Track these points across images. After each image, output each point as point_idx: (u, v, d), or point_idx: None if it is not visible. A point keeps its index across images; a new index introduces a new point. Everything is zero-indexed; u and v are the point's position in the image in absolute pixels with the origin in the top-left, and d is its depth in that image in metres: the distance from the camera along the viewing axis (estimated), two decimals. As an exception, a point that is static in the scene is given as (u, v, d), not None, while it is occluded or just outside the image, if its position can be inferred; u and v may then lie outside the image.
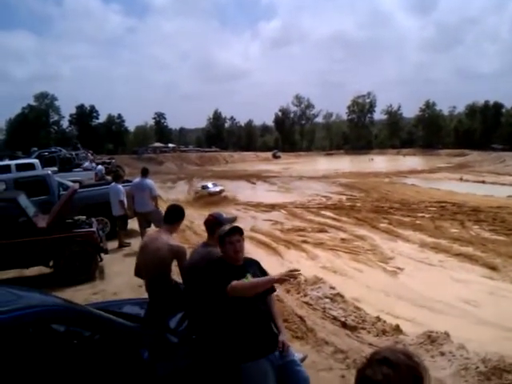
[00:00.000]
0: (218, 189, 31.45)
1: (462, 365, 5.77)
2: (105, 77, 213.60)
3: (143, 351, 3.29)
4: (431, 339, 6.79)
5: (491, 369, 5.46)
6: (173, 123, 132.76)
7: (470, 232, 18.02)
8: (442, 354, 6.26)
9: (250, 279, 3.45)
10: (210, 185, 32.48)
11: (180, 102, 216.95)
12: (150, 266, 4.44)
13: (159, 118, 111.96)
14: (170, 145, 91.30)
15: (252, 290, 3.37)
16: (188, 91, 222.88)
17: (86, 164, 27.72)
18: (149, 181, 11.01)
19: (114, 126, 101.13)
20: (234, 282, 3.31)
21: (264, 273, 3.72)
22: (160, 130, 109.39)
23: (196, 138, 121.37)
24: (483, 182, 37.55)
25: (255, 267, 3.67)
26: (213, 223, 3.99)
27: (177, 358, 3.49)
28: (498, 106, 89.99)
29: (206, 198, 29.85)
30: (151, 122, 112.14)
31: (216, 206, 25.43)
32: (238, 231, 3.58)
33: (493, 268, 13.12)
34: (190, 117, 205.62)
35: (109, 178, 18.69)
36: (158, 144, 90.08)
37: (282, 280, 3.34)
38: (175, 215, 4.67)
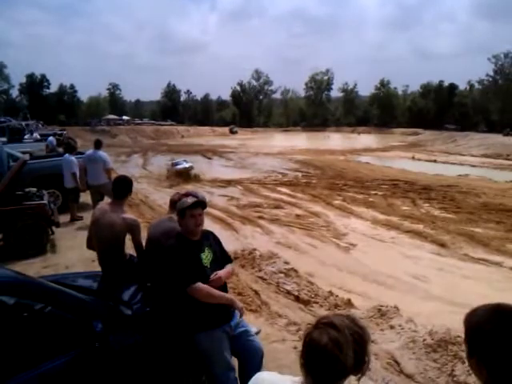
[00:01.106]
0: (187, 165, 29.12)
1: (410, 337, 5.97)
2: (57, 45, 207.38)
3: (96, 323, 3.24)
4: (381, 313, 6.99)
5: (438, 341, 5.67)
6: (128, 95, 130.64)
7: (421, 210, 18.47)
8: (392, 327, 6.46)
9: (209, 254, 3.49)
10: (180, 161, 30.17)
11: (136, 73, 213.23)
12: (104, 240, 4.38)
13: (114, 89, 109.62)
14: (125, 117, 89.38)
15: (209, 299, 3.44)
16: (144, 62, 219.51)
17: (27, 136, 26.93)
18: (102, 153, 10.81)
19: (66, 96, 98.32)
20: (198, 285, 3.36)
21: (219, 242, 3.74)
22: (114, 102, 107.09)
23: (151, 110, 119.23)
24: (435, 161, 38.51)
25: (211, 238, 3.69)
26: None
27: (130, 330, 3.47)
28: (451, 87, 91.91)
29: (175, 176, 27.75)
30: (105, 93, 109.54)
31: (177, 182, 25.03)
32: (201, 205, 3.58)
33: (442, 245, 13.50)
34: (147, 89, 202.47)
35: (60, 149, 18.18)
36: (111, 116, 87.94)
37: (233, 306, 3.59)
38: (125, 188, 4.60)
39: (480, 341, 1.42)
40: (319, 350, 1.51)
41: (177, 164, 29.29)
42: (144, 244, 4.35)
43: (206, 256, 3.51)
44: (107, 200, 10.13)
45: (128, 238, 4.51)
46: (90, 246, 4.69)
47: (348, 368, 1.52)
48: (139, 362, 3.39)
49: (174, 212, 4.13)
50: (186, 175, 27.57)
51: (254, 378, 1.86)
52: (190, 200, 3.56)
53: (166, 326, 3.55)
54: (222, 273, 3.53)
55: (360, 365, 1.57)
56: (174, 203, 4.21)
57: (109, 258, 4.41)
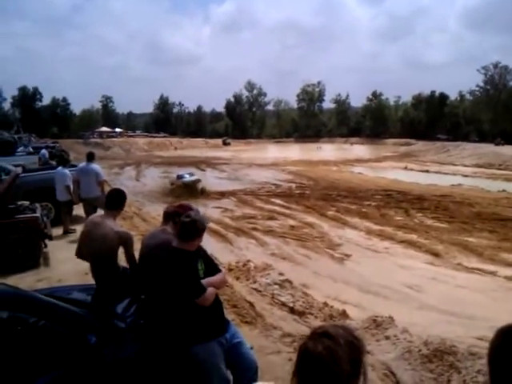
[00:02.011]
0: (193, 178, 27.26)
1: (406, 348, 5.94)
2: (49, 58, 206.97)
3: (90, 336, 3.22)
4: (376, 323, 6.97)
5: (433, 351, 5.66)
6: (121, 107, 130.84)
7: (414, 220, 18.55)
8: (387, 337, 6.44)
9: (202, 265, 3.51)
10: (185, 175, 28.02)
11: (129, 85, 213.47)
12: (97, 253, 4.35)
13: (107, 101, 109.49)
14: (118, 129, 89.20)
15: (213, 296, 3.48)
16: (137, 75, 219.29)
17: (20, 148, 26.82)
18: (95, 165, 10.75)
19: (59, 109, 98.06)
20: (207, 293, 3.37)
21: (206, 253, 3.72)
22: (107, 114, 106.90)
23: (144, 122, 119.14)
24: (427, 171, 38.70)
25: (201, 250, 3.67)
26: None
27: (124, 343, 3.45)
28: (442, 97, 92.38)
29: (180, 190, 25.78)
30: (98, 106, 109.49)
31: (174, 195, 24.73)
32: None
33: (435, 254, 13.55)
34: (139, 101, 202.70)
35: (53, 162, 18.10)
36: (104, 128, 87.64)
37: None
38: (118, 200, 4.57)
39: (490, 359, 1.42)
40: (313, 360, 1.48)
41: (182, 177, 27.63)
42: (138, 256, 4.32)
43: (201, 267, 3.51)
44: (100, 212, 10.10)
45: (121, 251, 4.48)
46: (79, 254, 4.66)
47: (343, 379, 1.50)
48: (134, 375, 3.36)
49: (168, 224, 4.11)
50: (192, 189, 25.99)
51: None
52: (206, 218, 3.62)
53: (161, 338, 3.53)
54: (213, 279, 3.52)
55: (355, 376, 1.55)
56: (167, 215, 4.18)
57: (102, 270, 4.38)
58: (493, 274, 11.92)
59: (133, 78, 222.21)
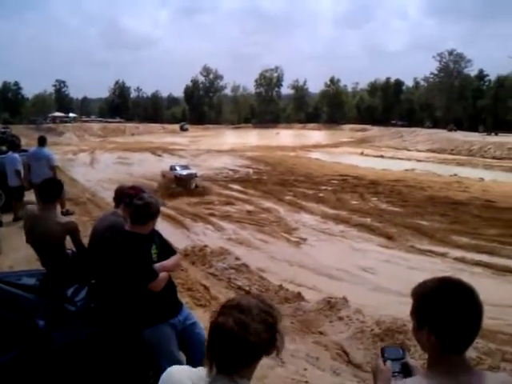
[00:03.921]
0: (185, 172, 23.27)
1: (359, 328, 6.09)
2: (1, 40, 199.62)
3: (38, 320, 3.16)
4: (330, 305, 7.10)
5: (385, 330, 5.82)
6: (75, 92, 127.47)
7: (369, 204, 18.90)
8: (340, 318, 6.57)
9: (156, 249, 3.47)
10: (177, 167, 24.76)
11: (84, 69, 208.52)
12: (42, 249, 4.23)
13: (60, 85, 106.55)
14: (71, 114, 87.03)
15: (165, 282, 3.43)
16: (93, 59, 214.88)
17: None
18: (46, 150, 10.46)
19: (10, 93, 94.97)
20: (158, 279, 3.33)
21: (161, 236, 3.67)
22: (61, 99, 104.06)
23: (99, 108, 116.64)
24: (382, 156, 39.43)
25: (155, 233, 3.62)
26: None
27: (75, 326, 3.40)
28: (398, 84, 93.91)
29: (172, 183, 22.49)
30: (51, 90, 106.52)
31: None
32: None
33: (389, 237, 13.86)
34: (95, 86, 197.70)
35: (3, 148, 17.54)
36: (57, 113, 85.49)
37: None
38: (54, 192, 4.35)
39: (431, 309, 1.43)
40: (225, 335, 1.46)
41: (175, 169, 24.34)
42: (88, 240, 4.24)
43: (154, 251, 3.47)
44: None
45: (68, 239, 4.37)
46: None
47: (258, 350, 1.49)
48: (84, 359, 3.32)
49: (120, 206, 4.03)
50: (185, 184, 22.16)
51: (165, 373, 1.76)
52: (160, 200, 3.55)
53: (112, 321, 3.49)
54: (166, 263, 3.49)
55: (272, 343, 1.53)
56: (119, 197, 4.10)
57: (51, 260, 4.27)
58: (443, 255, 12.30)
59: (89, 62, 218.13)
